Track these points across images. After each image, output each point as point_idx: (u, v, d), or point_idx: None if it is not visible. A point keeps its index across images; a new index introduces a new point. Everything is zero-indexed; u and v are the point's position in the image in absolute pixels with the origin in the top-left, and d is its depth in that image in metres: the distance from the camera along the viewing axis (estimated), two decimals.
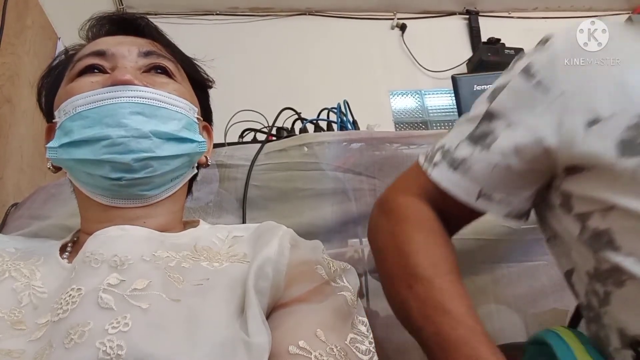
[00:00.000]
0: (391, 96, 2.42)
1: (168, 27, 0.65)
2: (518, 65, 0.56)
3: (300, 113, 1.16)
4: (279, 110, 1.11)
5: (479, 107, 0.58)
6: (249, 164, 0.87)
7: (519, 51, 2.11)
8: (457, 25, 2.62)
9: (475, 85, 1.20)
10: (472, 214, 0.58)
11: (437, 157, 0.58)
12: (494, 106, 0.55)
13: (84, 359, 0.37)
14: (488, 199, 0.55)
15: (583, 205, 0.50)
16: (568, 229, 0.52)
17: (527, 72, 0.53)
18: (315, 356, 0.42)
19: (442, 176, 0.56)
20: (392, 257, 0.56)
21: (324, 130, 1.09)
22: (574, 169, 0.50)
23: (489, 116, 0.56)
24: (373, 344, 0.48)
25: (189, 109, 0.57)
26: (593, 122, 0.47)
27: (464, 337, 0.46)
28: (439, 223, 0.58)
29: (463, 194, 0.55)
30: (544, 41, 0.55)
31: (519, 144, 0.52)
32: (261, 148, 0.90)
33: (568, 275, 0.57)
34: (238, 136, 1.19)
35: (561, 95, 0.50)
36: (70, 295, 0.42)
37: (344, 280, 0.54)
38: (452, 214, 0.58)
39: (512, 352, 0.67)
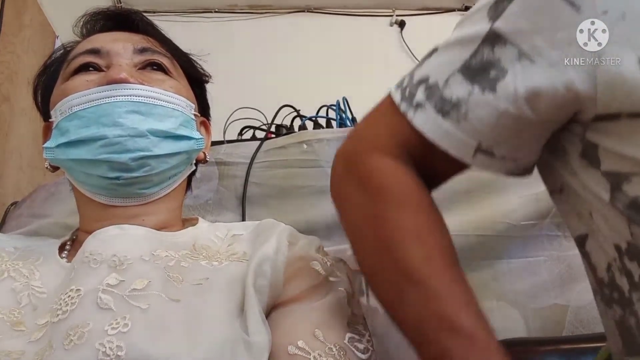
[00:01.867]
0: None
1: (166, 24, 0.64)
2: None
3: (299, 110, 1.15)
4: (277, 108, 1.11)
5: (475, 24, 0.43)
6: (248, 161, 0.87)
7: None
8: (456, 22, 2.61)
9: None
10: (461, 168, 0.46)
11: (420, 95, 0.44)
12: (500, 25, 0.40)
13: None
14: (488, 155, 0.43)
15: (617, 162, 0.38)
16: (590, 186, 0.40)
17: None
18: (314, 356, 0.42)
19: (428, 124, 0.43)
20: (375, 247, 0.44)
21: (323, 128, 1.09)
22: (607, 116, 0.37)
23: (492, 39, 0.41)
24: (371, 342, 0.48)
25: (186, 106, 0.57)
26: None
27: None
28: (426, 192, 0.46)
29: (456, 149, 0.42)
30: None
31: (536, 87, 0.38)
32: (260, 145, 0.90)
33: (580, 240, 0.46)
34: (237, 134, 1.19)
35: (602, 16, 0.36)
36: (70, 296, 0.42)
37: (339, 274, 0.53)
38: (436, 169, 0.47)
39: (513, 348, 0.67)
